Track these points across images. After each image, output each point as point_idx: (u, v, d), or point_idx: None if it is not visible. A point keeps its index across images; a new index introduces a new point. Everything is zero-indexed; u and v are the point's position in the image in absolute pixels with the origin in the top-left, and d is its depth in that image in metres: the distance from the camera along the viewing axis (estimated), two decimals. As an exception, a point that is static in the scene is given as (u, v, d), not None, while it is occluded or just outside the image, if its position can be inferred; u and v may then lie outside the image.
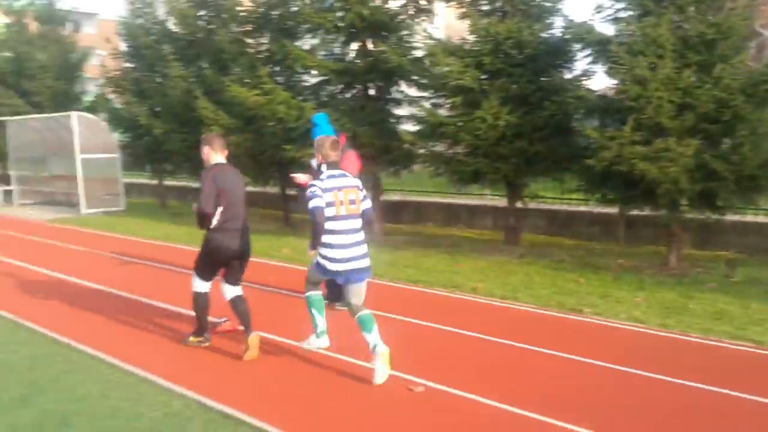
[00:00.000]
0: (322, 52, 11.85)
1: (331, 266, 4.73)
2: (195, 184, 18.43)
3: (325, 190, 4.68)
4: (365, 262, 4.85)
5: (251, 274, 8.27)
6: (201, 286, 5.26)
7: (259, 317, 6.31)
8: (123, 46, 16.45)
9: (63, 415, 4.12)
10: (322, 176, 4.80)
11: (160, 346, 5.46)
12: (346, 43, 11.51)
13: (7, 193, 19.30)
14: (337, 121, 10.52)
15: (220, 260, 5.21)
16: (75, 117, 15.90)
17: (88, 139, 16.19)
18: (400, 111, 11.46)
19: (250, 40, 13.05)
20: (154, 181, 18.05)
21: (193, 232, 12.38)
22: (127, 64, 16.58)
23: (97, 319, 6.35)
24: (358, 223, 4.82)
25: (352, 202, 4.78)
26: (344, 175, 4.86)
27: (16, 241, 12.02)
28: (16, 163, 19.46)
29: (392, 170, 11.64)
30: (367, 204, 4.95)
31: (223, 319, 5.84)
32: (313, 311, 4.91)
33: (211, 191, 4.98)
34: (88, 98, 21.23)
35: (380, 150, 10.76)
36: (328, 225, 4.68)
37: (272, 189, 14.14)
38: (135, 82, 16.09)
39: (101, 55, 18.46)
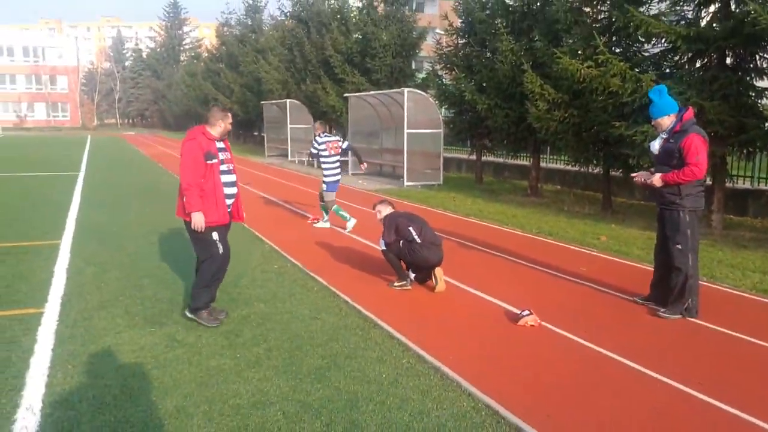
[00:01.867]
0: (671, 17, 10.94)
1: (329, 179, 10.28)
2: (512, 161, 18.77)
3: (320, 144, 10.26)
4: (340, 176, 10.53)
5: (561, 262, 8.14)
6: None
7: (565, 315, 6.13)
8: (458, 23, 17.46)
9: (352, 398, 4.12)
10: (320, 138, 10.34)
11: (461, 338, 5.27)
12: (703, 5, 10.40)
13: (343, 164, 22.11)
14: (682, 94, 9.63)
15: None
16: (406, 93, 17.45)
17: (416, 114, 17.64)
18: (762, 83, 9.94)
19: (587, 9, 12.69)
20: (472, 157, 18.87)
21: (506, 211, 12.69)
22: (460, 41, 17.56)
23: (400, 299, 6.63)
24: (337, 157, 10.35)
25: (337, 148, 10.33)
26: (329, 136, 10.43)
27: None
28: (353, 136, 22.12)
29: (743, 153, 10.22)
30: (344, 145, 10.57)
31: (525, 312, 5.68)
32: (339, 211, 10.43)
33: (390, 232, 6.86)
34: (420, 75, 23.11)
35: (731, 128, 9.50)
36: (323, 160, 10.25)
37: (590, 169, 13.66)
38: (465, 57, 16.96)
39: (438, 34, 19.86)
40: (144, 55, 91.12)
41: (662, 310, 5.92)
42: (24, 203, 12.83)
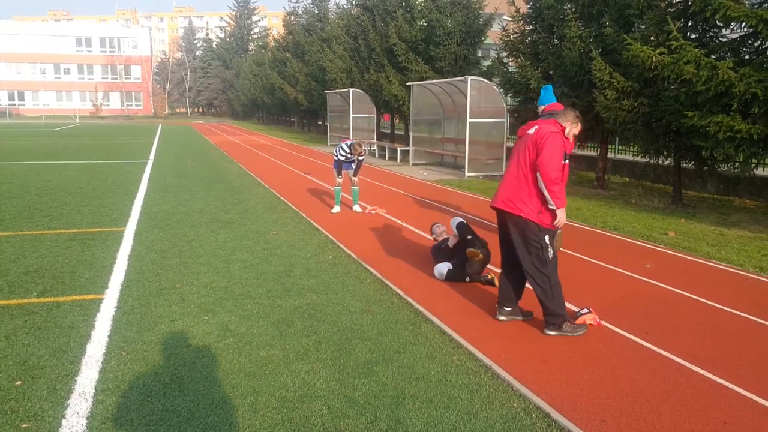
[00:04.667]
0: (753, 0, 10.36)
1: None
2: (578, 152, 18.27)
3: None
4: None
5: (625, 258, 7.86)
6: None
7: (627, 314, 5.86)
8: (525, 8, 17.03)
9: (399, 394, 4.04)
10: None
11: (515, 335, 5.10)
12: (788, -14, 9.81)
13: (405, 153, 22.04)
14: (761, 82, 9.12)
15: None
16: (469, 81, 17.17)
17: (479, 103, 17.36)
18: None
19: (662, -8, 12.16)
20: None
21: (570, 204, 12.23)
22: (527, 27, 17.12)
23: (452, 293, 6.56)
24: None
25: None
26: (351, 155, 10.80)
27: (398, 198, 13.59)
28: (415, 126, 22.02)
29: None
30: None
31: (584, 310, 5.44)
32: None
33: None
34: (485, 63, 22.72)
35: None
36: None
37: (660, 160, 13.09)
38: (531, 44, 16.53)
39: (504, 20, 19.45)
40: (214, 45, 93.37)
41: None
42: (94, 190, 13.29)
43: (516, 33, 17.22)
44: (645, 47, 10.89)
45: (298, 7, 48.53)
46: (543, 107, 7.87)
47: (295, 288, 6.35)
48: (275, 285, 6.43)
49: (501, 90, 17.89)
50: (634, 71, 11.70)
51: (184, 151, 25.28)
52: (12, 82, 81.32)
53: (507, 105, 18.14)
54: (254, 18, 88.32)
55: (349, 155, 10.62)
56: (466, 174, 17.20)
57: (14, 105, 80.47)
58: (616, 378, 4.32)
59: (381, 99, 25.89)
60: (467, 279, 6.57)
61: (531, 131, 5.19)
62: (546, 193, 4.99)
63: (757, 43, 10.41)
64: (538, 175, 5.00)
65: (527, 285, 5.34)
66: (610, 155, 16.44)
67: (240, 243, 8.36)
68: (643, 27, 12.17)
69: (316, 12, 43.54)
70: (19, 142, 29.80)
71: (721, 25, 11.01)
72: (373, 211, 10.98)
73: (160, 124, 58.14)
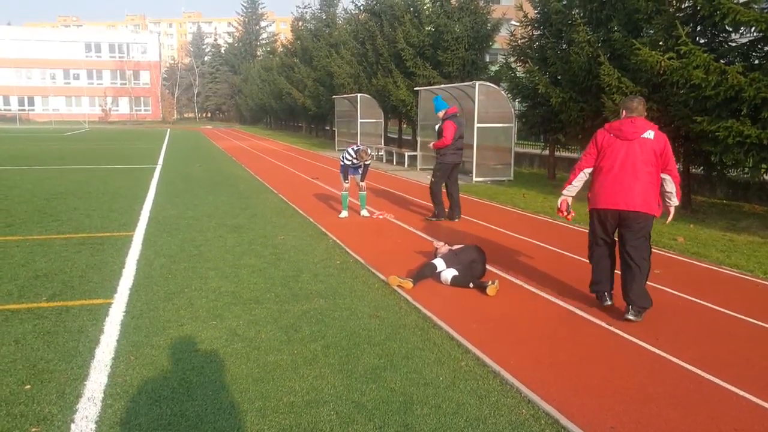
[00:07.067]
0: (762, 5, 10.32)
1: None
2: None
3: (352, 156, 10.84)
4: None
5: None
6: None
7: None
8: (533, 13, 17.06)
9: (407, 400, 4.04)
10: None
11: (523, 340, 5.10)
12: (798, -9, 9.78)
13: (412, 158, 22.04)
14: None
15: None
16: (477, 86, 17.17)
17: (487, 108, 17.35)
18: None
19: (671, -4, 12.14)
20: (545, 152, 18.42)
21: (578, 209, 12.19)
22: (535, 32, 17.15)
23: (461, 298, 6.56)
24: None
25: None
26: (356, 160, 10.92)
27: (405, 203, 13.58)
28: (422, 131, 22.01)
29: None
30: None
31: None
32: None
33: None
34: (493, 68, 22.74)
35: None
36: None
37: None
38: (539, 49, 16.55)
39: (512, 25, 19.47)
40: (222, 50, 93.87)
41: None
42: (103, 195, 13.36)
43: (524, 38, 17.26)
44: (653, 52, 10.88)
45: (306, 12, 48.86)
46: (442, 112, 10.66)
47: (303, 293, 6.36)
48: (283, 290, 6.44)
49: (509, 95, 17.91)
50: (642, 76, 11.70)
51: (193, 156, 25.39)
52: (22, 87, 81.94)
53: (515, 110, 18.13)
54: (262, 23, 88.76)
55: (355, 160, 10.62)
56: (474, 179, 17.17)
57: (24, 110, 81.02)
58: (625, 384, 4.30)
59: (389, 104, 25.92)
60: (470, 285, 6.56)
61: (648, 135, 5.51)
62: (675, 192, 5.58)
63: (766, 48, 10.38)
64: (664, 176, 5.53)
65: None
66: (619, 160, 16.39)
67: (248, 247, 8.39)
68: (651, 32, 12.15)
69: (324, 17, 43.72)
70: (28, 147, 30.02)
71: (731, 29, 11.00)
72: (380, 216, 10.99)
73: (168, 129, 58.44)
